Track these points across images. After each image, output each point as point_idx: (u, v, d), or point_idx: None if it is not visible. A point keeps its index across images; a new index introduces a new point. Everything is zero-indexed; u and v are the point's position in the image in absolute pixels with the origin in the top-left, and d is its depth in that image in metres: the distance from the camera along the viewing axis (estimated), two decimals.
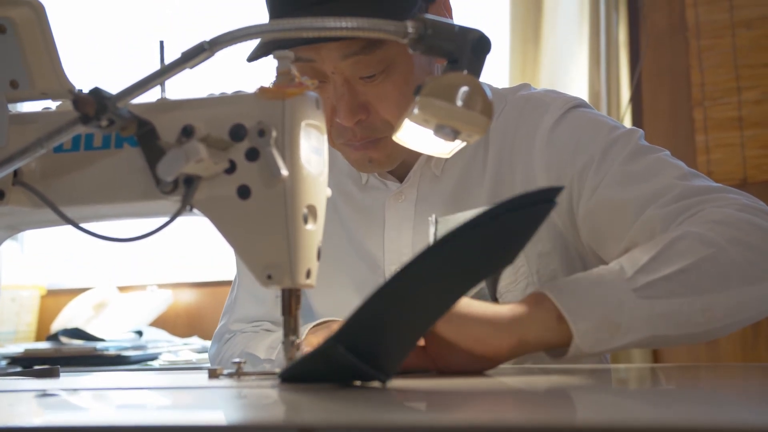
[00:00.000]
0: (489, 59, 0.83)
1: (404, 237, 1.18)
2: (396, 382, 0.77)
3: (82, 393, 0.82)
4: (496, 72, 2.46)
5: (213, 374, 0.87)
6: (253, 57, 1.07)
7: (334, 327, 0.99)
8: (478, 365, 0.86)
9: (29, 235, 2.81)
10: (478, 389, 0.75)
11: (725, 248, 0.90)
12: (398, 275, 0.70)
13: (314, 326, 1.10)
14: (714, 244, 0.90)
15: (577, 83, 2.39)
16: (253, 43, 1.07)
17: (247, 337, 1.25)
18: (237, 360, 0.86)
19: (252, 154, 0.78)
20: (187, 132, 0.77)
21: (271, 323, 1.29)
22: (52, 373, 1.03)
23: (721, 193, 1.00)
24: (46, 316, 2.64)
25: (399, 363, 0.76)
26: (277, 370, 0.82)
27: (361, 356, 0.71)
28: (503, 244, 0.77)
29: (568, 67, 2.41)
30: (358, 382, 0.76)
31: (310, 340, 1.03)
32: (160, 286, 2.61)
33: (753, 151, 2.32)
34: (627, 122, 2.38)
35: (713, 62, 2.36)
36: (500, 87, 1.23)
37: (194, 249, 2.71)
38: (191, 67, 0.75)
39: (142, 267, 2.74)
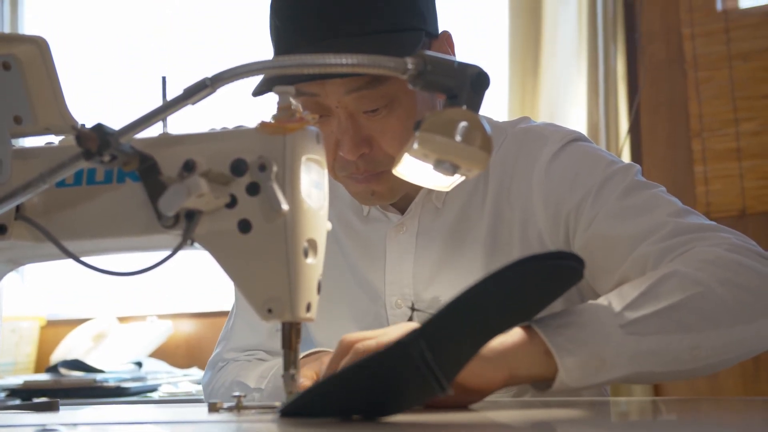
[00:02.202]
0: (488, 91, 0.84)
1: (405, 269, 1.19)
2: (392, 417, 0.77)
3: (82, 428, 0.81)
4: (496, 104, 2.48)
5: (213, 408, 0.87)
6: (258, 92, 1.08)
7: (325, 359, 0.98)
8: (468, 398, 0.86)
9: (29, 266, 2.80)
10: (482, 422, 0.75)
11: (714, 288, 0.90)
12: (492, 280, 0.72)
13: (304, 356, 1.10)
14: (702, 284, 0.90)
15: (575, 115, 2.40)
16: (256, 78, 1.08)
17: (239, 366, 1.26)
18: (237, 394, 0.86)
19: (253, 189, 0.78)
20: (189, 167, 0.78)
21: (265, 353, 1.29)
22: (51, 407, 1.03)
23: (713, 231, 1.01)
24: (45, 347, 2.64)
25: (455, 375, 0.77)
26: (277, 404, 0.82)
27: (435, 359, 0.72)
28: (532, 298, 0.81)
29: (567, 99, 2.42)
30: (356, 417, 0.76)
31: (303, 372, 1.02)
32: (160, 316, 2.61)
33: (752, 182, 2.33)
34: (626, 153, 2.39)
35: (711, 94, 2.38)
36: (500, 119, 1.24)
37: (194, 279, 2.70)
38: (193, 104, 0.76)
39: (142, 297, 2.74)
